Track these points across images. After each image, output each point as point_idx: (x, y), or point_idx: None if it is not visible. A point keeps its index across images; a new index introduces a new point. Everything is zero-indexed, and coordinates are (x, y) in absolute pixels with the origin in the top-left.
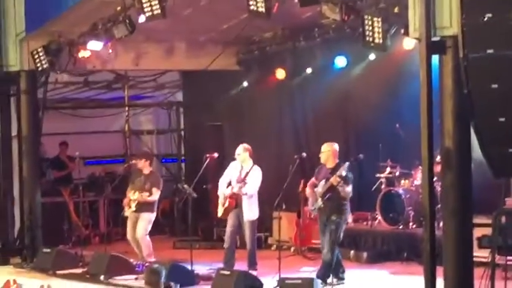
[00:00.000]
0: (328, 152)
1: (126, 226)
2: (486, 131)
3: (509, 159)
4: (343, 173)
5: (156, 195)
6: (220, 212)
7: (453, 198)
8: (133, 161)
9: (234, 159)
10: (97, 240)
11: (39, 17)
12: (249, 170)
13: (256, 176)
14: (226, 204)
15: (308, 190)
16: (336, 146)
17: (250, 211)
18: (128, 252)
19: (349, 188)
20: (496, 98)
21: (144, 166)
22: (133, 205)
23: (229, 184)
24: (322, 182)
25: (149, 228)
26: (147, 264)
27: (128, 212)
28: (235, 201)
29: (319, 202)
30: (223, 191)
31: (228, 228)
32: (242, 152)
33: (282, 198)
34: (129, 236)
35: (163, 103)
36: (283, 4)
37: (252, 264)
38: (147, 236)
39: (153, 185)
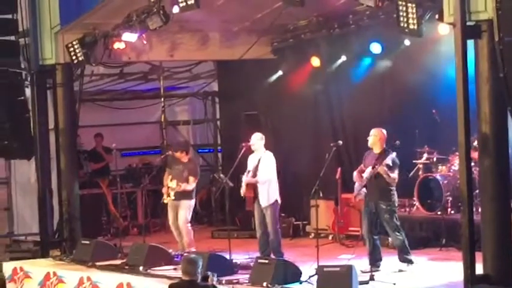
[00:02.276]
0: (376, 136)
1: (165, 216)
2: None
3: None
4: (390, 163)
5: (192, 184)
6: (247, 204)
7: (491, 183)
8: (170, 153)
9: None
10: (135, 231)
11: (73, 10)
12: (261, 157)
13: (267, 162)
14: (246, 196)
15: (355, 174)
16: (384, 132)
17: (266, 196)
18: (167, 242)
19: (394, 174)
20: None
21: (182, 156)
22: (171, 193)
23: None
24: (369, 169)
25: (190, 215)
26: (185, 254)
27: (167, 200)
28: (254, 192)
29: (365, 188)
30: (243, 179)
31: (256, 219)
32: (259, 140)
33: (319, 187)
34: (170, 223)
35: (198, 93)
36: None
37: (276, 253)
38: (189, 225)
39: (190, 173)
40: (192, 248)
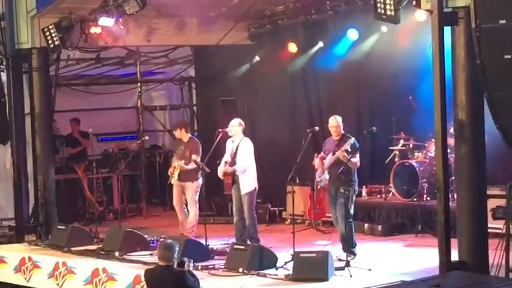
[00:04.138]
0: (338, 126)
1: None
2: (499, 102)
3: None
4: (348, 148)
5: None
6: (225, 189)
7: (467, 170)
8: (174, 132)
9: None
10: (111, 216)
11: None
12: (239, 143)
13: (245, 150)
14: (225, 182)
15: (317, 161)
16: (340, 118)
17: (244, 184)
18: (143, 228)
19: (356, 159)
20: (509, 69)
21: (182, 135)
22: (176, 173)
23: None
24: (330, 155)
25: (197, 196)
26: (161, 239)
27: (173, 181)
28: (232, 177)
29: (326, 174)
30: (220, 168)
31: (234, 204)
32: (237, 125)
33: (296, 172)
34: (174, 203)
35: (175, 78)
36: None
37: (252, 239)
38: (197, 206)
39: (192, 152)
40: (192, 230)
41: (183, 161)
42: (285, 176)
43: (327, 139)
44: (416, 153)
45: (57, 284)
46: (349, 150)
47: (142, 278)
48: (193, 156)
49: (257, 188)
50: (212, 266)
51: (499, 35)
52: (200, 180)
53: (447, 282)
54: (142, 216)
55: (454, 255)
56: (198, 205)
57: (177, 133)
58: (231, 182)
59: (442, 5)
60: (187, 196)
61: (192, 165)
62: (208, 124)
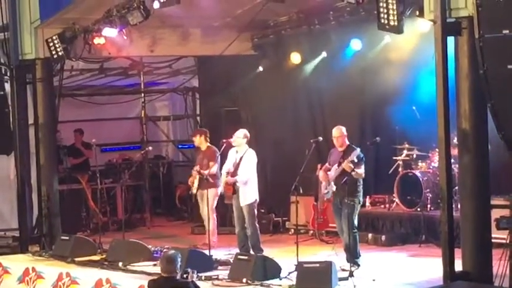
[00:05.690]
0: (341, 137)
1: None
2: (502, 112)
3: None
4: (355, 159)
5: (212, 168)
6: (226, 198)
7: (470, 179)
8: (192, 138)
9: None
10: (115, 227)
11: (53, 4)
12: (243, 155)
13: (249, 161)
14: (225, 191)
15: (321, 174)
16: (344, 129)
17: (245, 196)
18: (146, 238)
19: (361, 170)
20: None
21: (200, 142)
22: (195, 182)
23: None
24: (335, 166)
25: (215, 203)
26: (164, 250)
27: (194, 190)
28: (232, 187)
29: (332, 186)
30: (222, 178)
31: (235, 214)
32: (241, 137)
33: (299, 183)
34: (200, 211)
35: (179, 89)
36: None
37: (255, 249)
38: (215, 214)
39: (209, 159)
40: (213, 237)
41: (197, 168)
42: (289, 186)
43: (332, 150)
44: (419, 163)
45: None
46: (355, 161)
47: None
48: (211, 164)
49: (258, 200)
50: (216, 277)
51: (502, 45)
52: (219, 189)
53: None
54: (146, 227)
55: (458, 265)
56: (215, 214)
57: (196, 139)
58: (231, 192)
59: (445, 15)
60: (203, 203)
61: (210, 171)
62: (212, 134)
